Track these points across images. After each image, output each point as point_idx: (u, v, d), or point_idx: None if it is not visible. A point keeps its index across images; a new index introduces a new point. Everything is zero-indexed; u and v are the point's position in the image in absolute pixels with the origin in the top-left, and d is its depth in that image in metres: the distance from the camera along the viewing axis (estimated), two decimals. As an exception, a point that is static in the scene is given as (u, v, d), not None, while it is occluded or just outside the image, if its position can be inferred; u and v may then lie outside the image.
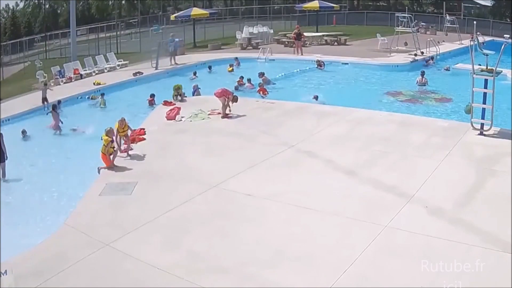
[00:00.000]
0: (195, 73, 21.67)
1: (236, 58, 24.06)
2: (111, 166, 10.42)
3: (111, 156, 10.51)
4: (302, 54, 25.27)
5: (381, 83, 19.71)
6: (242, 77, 19.08)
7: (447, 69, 21.02)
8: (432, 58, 23.05)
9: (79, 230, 7.75)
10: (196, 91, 17.52)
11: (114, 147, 10.62)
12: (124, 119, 11.77)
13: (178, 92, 16.33)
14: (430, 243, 6.89)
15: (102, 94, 17.66)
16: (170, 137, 12.52)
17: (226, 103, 13.85)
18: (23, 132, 14.01)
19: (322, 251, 6.88)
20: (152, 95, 16.75)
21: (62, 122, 14.73)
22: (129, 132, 11.78)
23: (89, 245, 7.22)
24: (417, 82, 18.71)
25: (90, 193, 9.25)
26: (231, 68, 22.39)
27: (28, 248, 7.29)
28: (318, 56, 23.97)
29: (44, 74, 22.74)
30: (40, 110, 16.57)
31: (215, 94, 14.04)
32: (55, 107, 14.95)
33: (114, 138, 10.88)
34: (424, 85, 18.47)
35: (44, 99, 16.79)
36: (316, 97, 16.11)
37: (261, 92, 17.43)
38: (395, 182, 8.89)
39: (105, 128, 10.90)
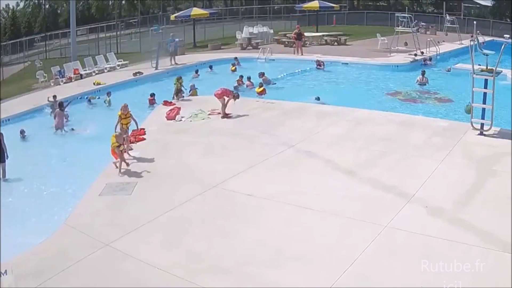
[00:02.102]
0: (197, 71, 21.74)
1: (236, 58, 24.08)
2: (122, 161, 10.32)
3: (119, 159, 10.37)
4: (302, 54, 25.26)
5: (381, 83, 19.70)
6: (241, 77, 19.09)
7: (448, 70, 20.97)
8: (430, 59, 23.04)
9: (79, 230, 7.75)
10: (192, 90, 17.54)
11: (121, 150, 10.46)
12: (127, 106, 11.69)
13: (179, 82, 16.49)
14: (430, 243, 6.89)
15: (109, 93, 17.67)
16: (170, 137, 12.52)
17: (226, 102, 13.86)
18: (22, 132, 14.01)
19: (322, 251, 6.88)
20: (153, 94, 16.76)
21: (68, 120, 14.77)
22: (130, 127, 11.62)
23: (89, 245, 7.22)
24: (417, 81, 18.72)
25: (90, 193, 9.24)
26: (233, 68, 22.40)
27: (28, 248, 7.28)
28: (318, 56, 23.98)
29: (44, 74, 22.77)
30: (40, 110, 16.57)
31: (215, 94, 14.02)
32: (61, 106, 14.81)
33: (121, 143, 10.53)
34: (425, 85, 18.47)
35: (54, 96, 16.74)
36: (318, 98, 16.11)
37: (259, 95, 17.47)
38: (395, 182, 8.88)
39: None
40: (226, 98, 13.85)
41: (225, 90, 14.04)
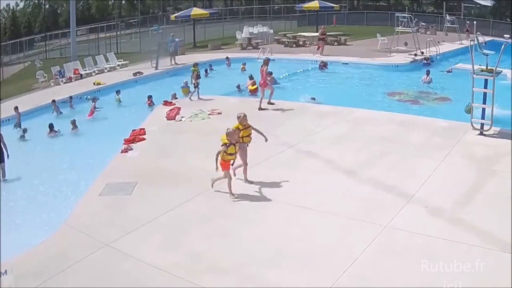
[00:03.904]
0: (206, 71, 21.77)
1: (227, 57, 24.28)
2: (227, 177, 8.49)
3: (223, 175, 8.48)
4: (321, 54, 24.95)
5: (381, 83, 19.71)
6: (250, 76, 19.19)
7: (449, 71, 20.99)
8: (427, 59, 23.07)
9: (79, 230, 7.75)
10: (183, 88, 17.67)
11: (231, 153, 8.44)
12: (246, 115, 9.07)
13: (197, 69, 16.61)
14: (430, 243, 6.88)
15: (118, 91, 17.66)
16: (170, 137, 12.52)
17: (271, 91, 14.63)
18: (24, 130, 14.00)
19: (322, 251, 6.88)
20: (150, 97, 16.74)
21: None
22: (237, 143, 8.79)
23: (89, 245, 7.22)
24: (422, 80, 18.99)
25: (90, 193, 9.24)
26: (243, 67, 22.42)
27: (28, 248, 7.28)
28: (318, 56, 23.98)
29: (44, 74, 22.78)
30: (40, 110, 16.57)
31: (260, 85, 14.78)
32: (52, 127, 14.32)
33: (233, 142, 8.46)
34: (429, 83, 18.71)
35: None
36: (313, 98, 16.09)
37: (251, 93, 17.63)
38: (395, 182, 8.88)
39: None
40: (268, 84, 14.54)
41: (264, 76, 14.52)
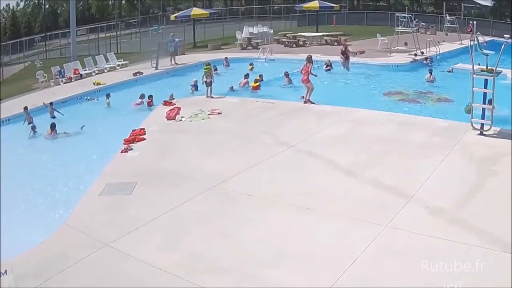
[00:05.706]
0: (215, 69, 21.78)
1: (226, 58, 24.37)
2: None
3: None
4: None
5: (381, 83, 19.70)
6: (261, 76, 19.27)
7: (451, 71, 21.01)
8: (426, 58, 23.10)
9: (79, 230, 7.75)
10: (192, 86, 17.78)
11: None
12: None
13: (209, 68, 16.61)
14: (430, 243, 6.88)
15: (108, 95, 17.59)
16: (170, 137, 12.52)
17: (310, 87, 15.00)
18: (33, 127, 13.98)
19: (322, 251, 6.87)
20: (150, 96, 16.72)
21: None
22: None
23: (89, 245, 7.22)
24: (426, 79, 19.13)
25: (90, 193, 9.23)
26: (251, 67, 22.45)
27: (28, 248, 7.28)
28: (318, 56, 23.95)
29: (44, 74, 22.80)
30: (40, 109, 16.56)
31: (303, 81, 15.14)
32: (53, 127, 14.13)
33: None
34: (433, 82, 18.83)
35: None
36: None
37: (253, 90, 17.78)
38: (395, 182, 8.88)
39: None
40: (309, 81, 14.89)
41: (307, 73, 14.83)
